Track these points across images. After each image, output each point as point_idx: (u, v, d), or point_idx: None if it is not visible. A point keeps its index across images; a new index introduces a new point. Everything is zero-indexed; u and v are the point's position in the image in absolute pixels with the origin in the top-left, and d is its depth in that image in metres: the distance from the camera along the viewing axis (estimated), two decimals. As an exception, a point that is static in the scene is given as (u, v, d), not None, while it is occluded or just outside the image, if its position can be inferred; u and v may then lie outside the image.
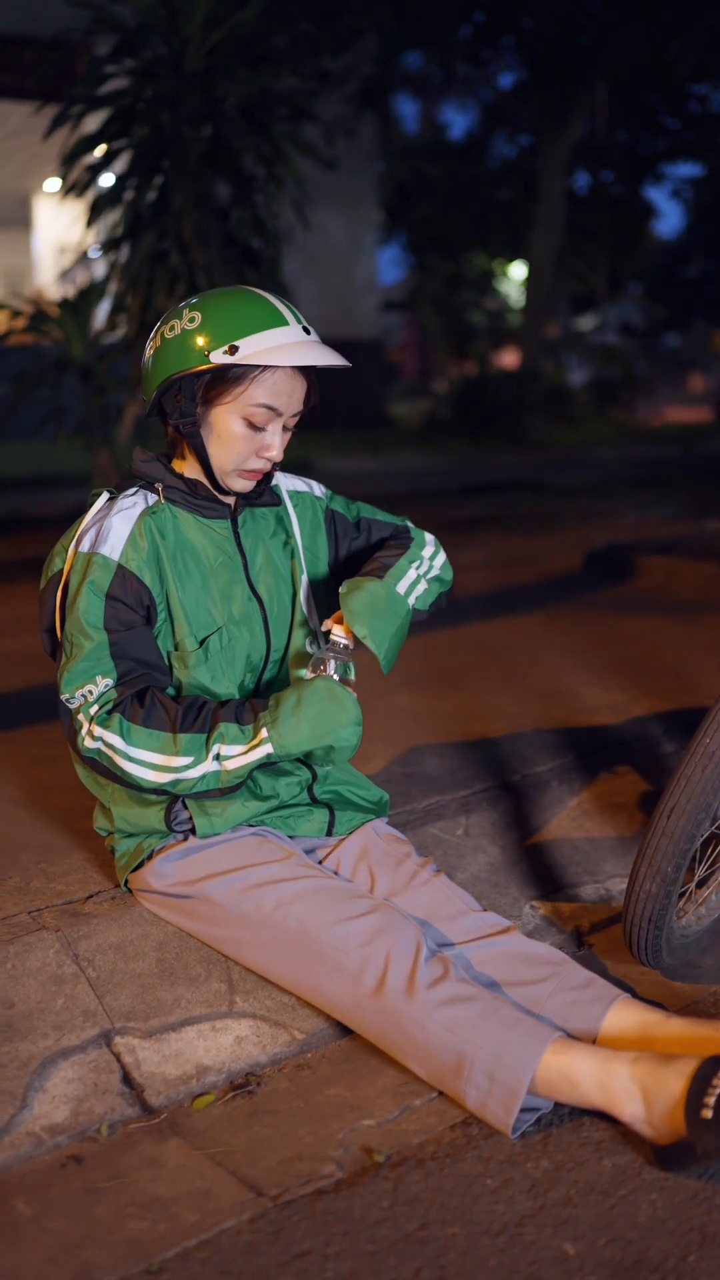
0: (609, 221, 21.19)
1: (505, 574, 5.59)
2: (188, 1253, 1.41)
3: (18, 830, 2.30)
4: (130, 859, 1.91)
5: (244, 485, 1.88)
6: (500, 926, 1.86)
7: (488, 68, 16.68)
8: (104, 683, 1.76)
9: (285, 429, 1.87)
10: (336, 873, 1.94)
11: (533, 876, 2.34)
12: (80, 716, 1.76)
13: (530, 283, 16.89)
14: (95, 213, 5.37)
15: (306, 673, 1.82)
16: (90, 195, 5.41)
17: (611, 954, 2.12)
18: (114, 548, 1.80)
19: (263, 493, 1.96)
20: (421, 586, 1.96)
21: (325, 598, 2.01)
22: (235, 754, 1.74)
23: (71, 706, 1.77)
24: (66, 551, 1.85)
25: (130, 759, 1.73)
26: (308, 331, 1.82)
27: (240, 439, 1.83)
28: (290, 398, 1.83)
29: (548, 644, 3.98)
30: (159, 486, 1.88)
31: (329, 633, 1.85)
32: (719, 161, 19.95)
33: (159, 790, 1.76)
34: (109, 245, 5.38)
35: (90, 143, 5.26)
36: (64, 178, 5.32)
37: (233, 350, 1.76)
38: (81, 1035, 1.75)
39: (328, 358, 1.80)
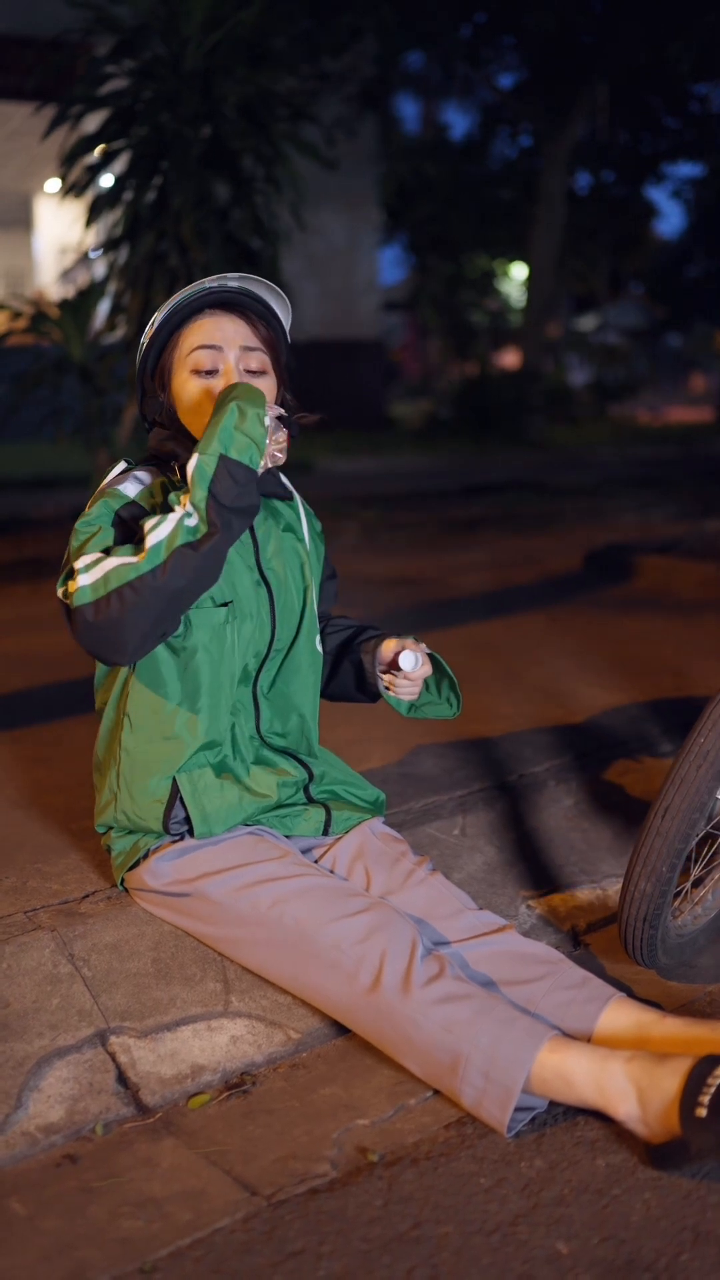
0: (610, 221, 21.22)
1: (505, 574, 5.59)
2: (181, 1252, 1.41)
3: (15, 830, 2.30)
4: (126, 858, 1.91)
5: None
6: (496, 925, 1.86)
7: (488, 68, 16.68)
8: (94, 557, 1.72)
9: (251, 373, 1.87)
10: (333, 871, 1.94)
11: (529, 876, 2.34)
12: (70, 589, 1.70)
13: (531, 283, 16.89)
14: (94, 213, 5.38)
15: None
16: (89, 196, 5.42)
17: (608, 953, 2.12)
18: (131, 490, 1.84)
19: (264, 470, 1.94)
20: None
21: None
22: (180, 502, 1.72)
23: (67, 592, 1.72)
24: (78, 525, 1.84)
25: (121, 561, 1.68)
26: (223, 281, 1.88)
27: (198, 391, 1.86)
28: (222, 332, 1.86)
29: (547, 644, 3.98)
30: (175, 465, 1.88)
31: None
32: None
33: (169, 584, 1.67)
34: (108, 245, 5.38)
35: (89, 143, 5.26)
36: (63, 178, 5.32)
37: (152, 325, 1.89)
38: (77, 1035, 1.75)
39: (225, 279, 1.87)
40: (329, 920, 1.74)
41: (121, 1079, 1.72)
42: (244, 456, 1.73)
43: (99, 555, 1.72)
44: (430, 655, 2.01)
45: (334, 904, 1.76)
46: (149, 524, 1.71)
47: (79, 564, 1.72)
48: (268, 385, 1.89)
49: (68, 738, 2.87)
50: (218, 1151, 1.60)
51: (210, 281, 1.87)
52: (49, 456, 11.47)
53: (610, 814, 2.58)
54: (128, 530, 1.80)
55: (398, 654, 1.97)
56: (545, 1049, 1.60)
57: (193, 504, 1.72)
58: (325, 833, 1.97)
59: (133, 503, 1.82)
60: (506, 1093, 1.59)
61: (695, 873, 2.08)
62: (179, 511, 1.71)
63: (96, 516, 1.80)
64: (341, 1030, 1.84)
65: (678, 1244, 1.41)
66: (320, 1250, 1.41)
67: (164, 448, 1.91)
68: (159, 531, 1.70)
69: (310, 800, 1.97)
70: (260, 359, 1.88)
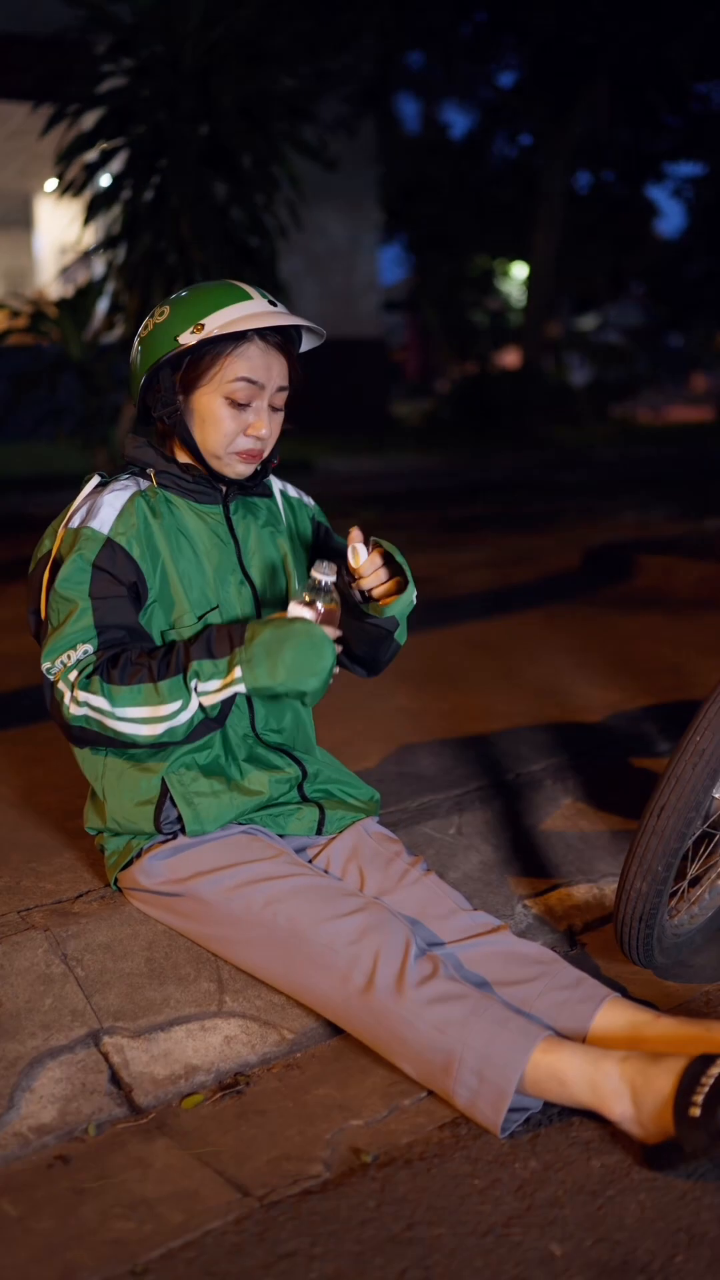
0: (610, 221, 21.17)
1: (504, 573, 5.58)
2: (172, 1253, 1.40)
3: (9, 830, 2.30)
4: (120, 857, 1.90)
5: (243, 468, 1.87)
6: (490, 926, 1.85)
7: (488, 67, 16.66)
8: (83, 649, 1.75)
9: (273, 409, 1.86)
10: (327, 871, 1.93)
11: (525, 875, 2.33)
12: (60, 685, 1.74)
13: (531, 282, 16.88)
14: (93, 211, 5.37)
15: (297, 607, 1.75)
16: (88, 194, 5.41)
17: (604, 953, 2.11)
18: (104, 522, 1.81)
19: (258, 482, 1.95)
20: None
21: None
22: (210, 690, 1.73)
23: (51, 676, 1.75)
24: (56, 532, 1.85)
25: (119, 718, 1.72)
26: (274, 304, 1.83)
27: (226, 419, 1.82)
28: (268, 371, 1.83)
29: (545, 643, 3.97)
30: (151, 472, 1.88)
31: (312, 577, 1.78)
32: (720, 160, 19.94)
33: (156, 744, 1.74)
34: (107, 244, 5.38)
35: (87, 141, 5.26)
36: (60, 176, 5.32)
37: (199, 328, 1.79)
38: (69, 1035, 1.74)
39: (297, 321, 1.82)
40: (322, 920, 1.73)
41: (114, 1079, 1.71)
42: (267, 694, 1.75)
43: (89, 678, 1.72)
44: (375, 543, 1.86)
45: (327, 904, 1.75)
46: (158, 689, 1.71)
47: (71, 679, 1.73)
48: (281, 418, 1.89)
49: (63, 738, 2.85)
50: (210, 1152, 1.59)
51: (267, 305, 1.82)
52: (47, 456, 11.45)
53: (608, 813, 2.57)
54: (108, 581, 1.78)
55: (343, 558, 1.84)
56: (539, 1049, 1.59)
57: (209, 706, 1.74)
58: (319, 832, 1.96)
59: (108, 543, 1.79)
60: (500, 1093, 1.58)
61: (692, 871, 2.07)
62: (187, 712, 1.72)
63: (74, 581, 1.77)
64: (336, 1031, 1.84)
65: (672, 1245, 1.40)
66: (312, 1252, 1.40)
67: (141, 456, 1.89)
68: (180, 716, 1.72)
69: (304, 799, 1.97)
70: (286, 396, 1.88)
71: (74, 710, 1.73)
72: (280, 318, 1.81)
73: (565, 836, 2.47)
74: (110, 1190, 1.52)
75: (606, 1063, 1.57)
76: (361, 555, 1.81)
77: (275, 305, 1.84)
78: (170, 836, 1.85)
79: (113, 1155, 1.59)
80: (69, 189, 5.30)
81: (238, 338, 1.80)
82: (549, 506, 8.61)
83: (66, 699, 1.73)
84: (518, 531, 7.25)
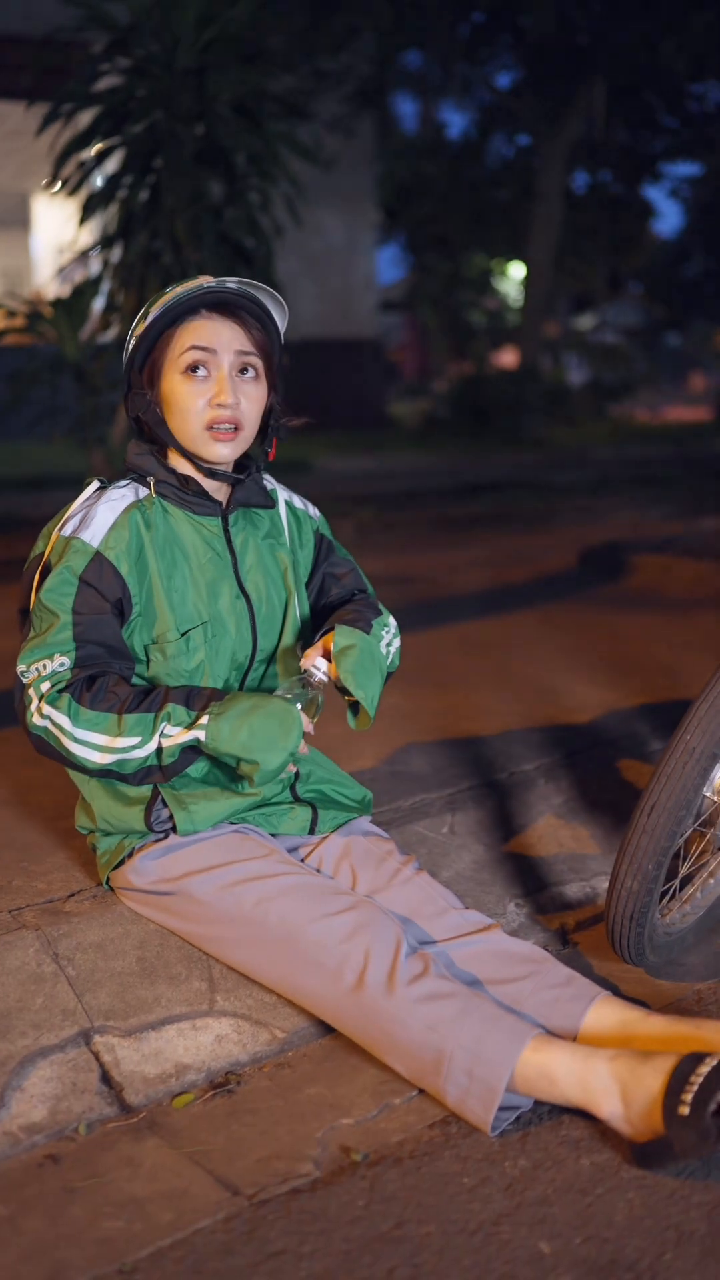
0: (608, 221, 21.17)
1: (501, 573, 5.58)
2: (161, 1252, 1.40)
3: (1, 829, 2.30)
4: (112, 856, 1.90)
5: (220, 450, 1.85)
6: (482, 924, 1.85)
7: (486, 67, 16.66)
8: (60, 660, 1.76)
9: (243, 377, 1.85)
10: (319, 870, 1.93)
11: (518, 874, 2.33)
12: (31, 692, 1.76)
13: (529, 282, 16.87)
14: (89, 211, 5.36)
15: (283, 693, 1.80)
16: (83, 193, 5.40)
17: (596, 952, 2.11)
18: (95, 535, 1.81)
19: (248, 474, 1.94)
20: (385, 658, 1.94)
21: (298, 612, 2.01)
22: (173, 734, 1.74)
23: (25, 681, 1.77)
24: (50, 535, 1.86)
25: (75, 739, 1.73)
26: (222, 283, 1.85)
27: (188, 394, 1.83)
28: (218, 337, 1.83)
29: (540, 642, 3.97)
30: (151, 481, 1.88)
31: (304, 670, 1.83)
32: (717, 160, 19.93)
33: (104, 772, 1.76)
34: (102, 243, 5.37)
35: (82, 140, 5.25)
36: (55, 175, 5.31)
37: (144, 318, 1.84)
38: (60, 1034, 1.74)
39: (232, 283, 1.83)
40: (313, 919, 1.73)
41: (105, 1078, 1.71)
42: (221, 754, 1.76)
43: (60, 692, 1.74)
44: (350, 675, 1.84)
45: (318, 902, 1.75)
46: (122, 721, 1.72)
47: (44, 690, 1.74)
48: (259, 393, 1.87)
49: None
50: (201, 1151, 1.59)
51: (208, 281, 1.84)
52: (43, 457, 11.45)
53: (601, 812, 2.57)
54: (92, 596, 1.78)
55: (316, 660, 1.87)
56: (529, 1048, 1.59)
57: (167, 749, 1.74)
58: (311, 831, 1.96)
59: (97, 557, 1.79)
60: (490, 1091, 1.58)
61: (683, 870, 2.07)
62: (143, 751, 1.73)
63: (60, 593, 1.78)
64: (327, 1029, 1.84)
65: (661, 1243, 1.41)
66: (301, 1250, 1.40)
67: (141, 464, 1.90)
68: (135, 752, 1.74)
69: (296, 799, 1.97)
70: (253, 363, 1.86)
71: (36, 720, 1.75)
72: (212, 282, 1.83)
73: (558, 835, 2.47)
74: (100, 1189, 1.52)
75: (596, 1061, 1.57)
76: (316, 675, 1.83)
77: (224, 282, 1.85)
78: (162, 836, 1.85)
79: (103, 1154, 1.59)
80: (63, 188, 5.29)
81: (180, 315, 1.83)
82: (546, 506, 8.61)
83: (33, 707, 1.76)
84: (514, 531, 7.25)
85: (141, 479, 1.90)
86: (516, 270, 24.63)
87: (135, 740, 1.73)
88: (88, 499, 1.86)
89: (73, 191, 5.33)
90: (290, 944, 1.74)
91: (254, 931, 1.77)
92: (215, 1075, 1.76)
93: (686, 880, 2.10)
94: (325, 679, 1.82)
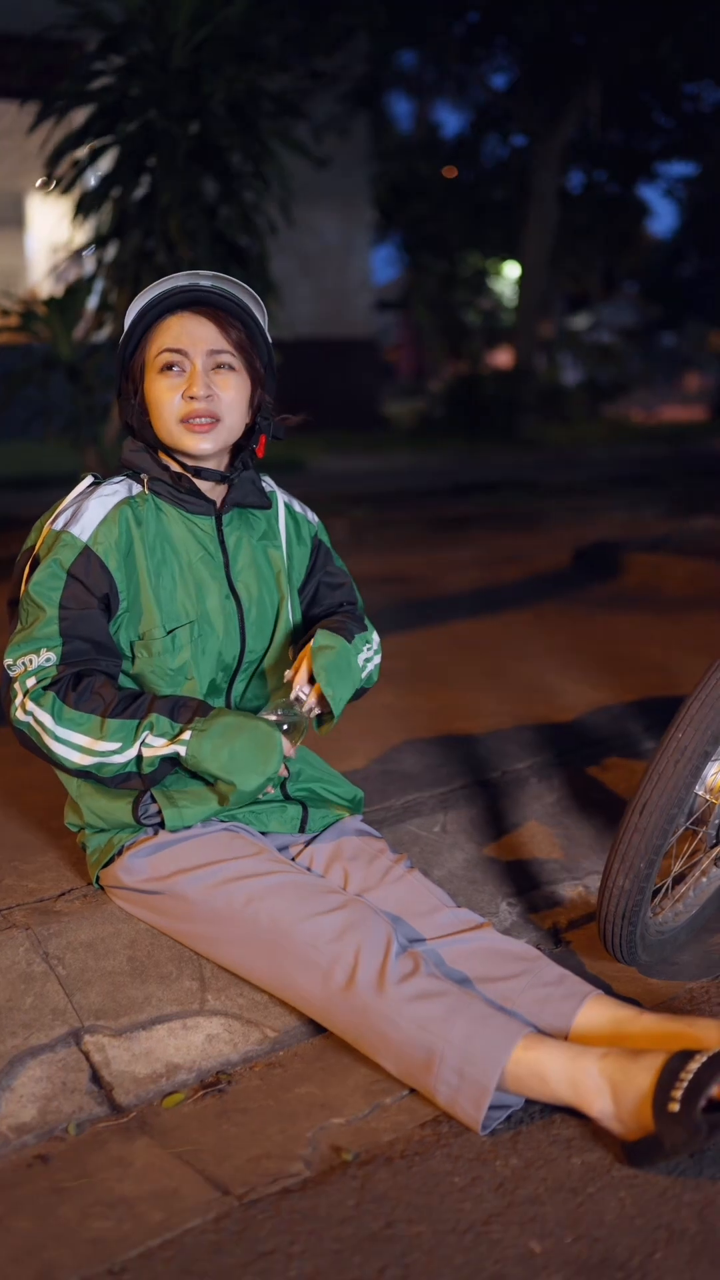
0: (603, 220, 21.17)
1: (494, 572, 5.58)
2: (151, 1253, 1.40)
3: (-7, 828, 2.29)
4: (101, 855, 1.90)
5: (195, 441, 1.84)
6: (474, 923, 1.85)
7: (481, 67, 16.66)
8: (46, 656, 1.76)
9: (220, 373, 1.85)
10: (309, 869, 1.93)
11: (510, 873, 2.33)
12: (16, 686, 1.76)
13: (524, 282, 16.88)
14: (82, 210, 5.35)
15: (268, 713, 1.81)
16: (77, 192, 5.39)
17: (589, 951, 2.11)
18: (85, 529, 1.81)
19: (236, 471, 1.93)
20: (362, 670, 1.97)
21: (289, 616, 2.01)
22: (156, 745, 1.74)
23: (11, 675, 1.78)
24: (41, 528, 1.86)
25: (57, 738, 1.73)
26: (195, 281, 1.85)
27: (163, 390, 1.84)
28: (191, 336, 1.84)
29: (533, 641, 3.97)
30: (145, 477, 1.87)
31: (294, 697, 1.84)
32: (712, 160, 19.94)
33: (83, 773, 1.76)
34: (96, 242, 5.36)
35: (77, 139, 5.24)
36: (49, 174, 5.30)
37: (122, 324, 1.87)
38: (50, 1034, 1.73)
39: (196, 277, 1.84)
40: (303, 917, 1.73)
41: (95, 1078, 1.70)
42: (201, 771, 1.77)
43: (46, 689, 1.74)
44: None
45: (309, 901, 1.75)
46: (105, 725, 1.73)
47: (29, 685, 1.75)
48: (239, 386, 1.87)
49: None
50: (191, 1151, 1.59)
51: (181, 279, 1.85)
52: (37, 456, 11.42)
53: (593, 811, 2.57)
54: (80, 591, 1.78)
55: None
56: (520, 1046, 1.59)
57: (148, 759, 1.74)
58: (302, 830, 1.96)
59: (85, 551, 1.79)
60: (481, 1090, 1.58)
61: (676, 869, 2.07)
62: (123, 756, 1.74)
63: (47, 587, 1.78)
64: (318, 1029, 1.83)
65: (652, 1242, 1.40)
66: (291, 1250, 1.40)
67: (136, 461, 1.90)
68: (115, 757, 1.74)
69: (287, 797, 1.96)
70: (230, 362, 1.86)
71: (20, 715, 1.76)
72: (184, 281, 1.84)
73: (550, 834, 2.47)
74: (90, 1189, 1.51)
75: (586, 1060, 1.57)
76: (304, 701, 1.84)
77: (196, 279, 1.85)
78: (152, 833, 1.85)
79: (93, 1154, 1.58)
80: (56, 186, 5.28)
81: (157, 316, 1.85)
82: (539, 505, 8.61)
83: (17, 701, 1.76)
84: (509, 530, 7.25)
85: (136, 476, 1.90)
86: (512, 270, 24.60)
87: (116, 745, 1.73)
88: (81, 493, 1.87)
89: (66, 190, 5.32)
90: (280, 943, 1.74)
91: (244, 930, 1.77)
92: (206, 1075, 1.75)
93: (679, 879, 2.10)
94: (314, 708, 1.84)
